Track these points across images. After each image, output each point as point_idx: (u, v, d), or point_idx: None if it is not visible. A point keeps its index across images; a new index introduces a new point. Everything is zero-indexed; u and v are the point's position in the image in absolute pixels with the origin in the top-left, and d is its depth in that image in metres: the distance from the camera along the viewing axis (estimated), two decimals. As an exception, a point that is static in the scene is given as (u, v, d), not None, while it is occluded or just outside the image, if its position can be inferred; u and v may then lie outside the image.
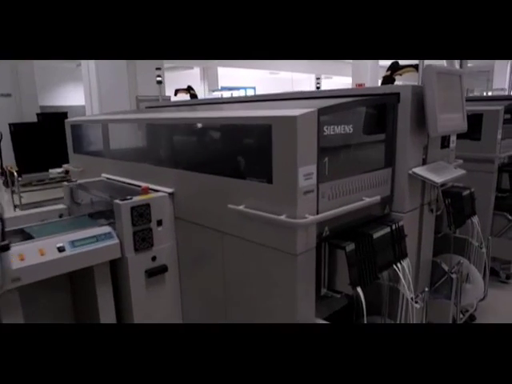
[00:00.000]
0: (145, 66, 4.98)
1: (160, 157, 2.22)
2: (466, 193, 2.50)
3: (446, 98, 1.87)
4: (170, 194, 2.08)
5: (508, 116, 3.48)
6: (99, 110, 4.96)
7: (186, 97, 3.79)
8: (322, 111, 1.45)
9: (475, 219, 2.59)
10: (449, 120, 1.88)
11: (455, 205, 2.35)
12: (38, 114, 8.82)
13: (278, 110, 1.54)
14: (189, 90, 3.61)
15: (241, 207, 1.61)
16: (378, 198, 1.75)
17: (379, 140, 1.88)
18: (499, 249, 3.40)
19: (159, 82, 3.94)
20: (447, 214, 2.28)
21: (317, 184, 1.50)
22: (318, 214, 1.53)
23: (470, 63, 16.74)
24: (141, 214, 1.97)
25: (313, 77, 15.99)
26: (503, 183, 3.40)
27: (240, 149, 1.72)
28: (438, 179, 1.85)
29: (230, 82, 15.41)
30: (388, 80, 2.18)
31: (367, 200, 1.72)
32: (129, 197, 1.98)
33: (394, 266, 1.81)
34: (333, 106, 1.51)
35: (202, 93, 12.98)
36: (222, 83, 14.58)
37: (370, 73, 9.06)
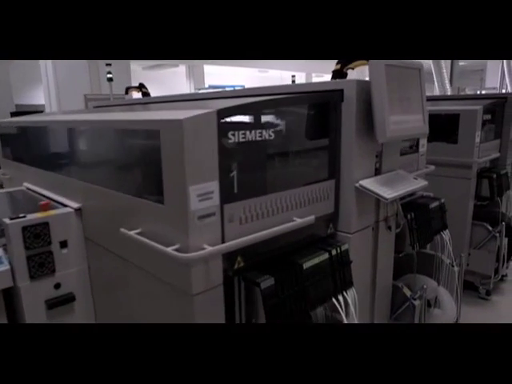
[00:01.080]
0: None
1: (68, 166, 1.89)
2: (434, 205, 2.17)
3: (399, 95, 1.54)
4: (76, 210, 1.74)
5: (488, 117, 3.16)
6: (58, 110, 4.63)
7: (138, 95, 3.47)
8: (223, 113, 1.12)
9: (446, 234, 2.27)
10: (402, 122, 1.55)
11: (420, 219, 2.03)
12: (12, 113, 8.48)
13: (173, 112, 1.22)
14: (140, 87, 3.30)
15: (132, 232, 1.28)
16: (311, 218, 1.42)
17: (318, 147, 1.55)
18: (478, 262, 3.10)
19: (110, 80, 3.60)
20: (409, 230, 1.95)
21: (220, 205, 1.17)
22: (224, 242, 1.20)
23: (463, 62, 16.44)
24: (36, 234, 1.63)
25: (303, 75, 15.67)
26: (483, 190, 3.09)
27: (134, 159, 1.39)
28: (389, 194, 1.52)
29: (218, 80, 15.07)
30: (338, 75, 1.86)
31: (297, 222, 1.39)
32: (22, 214, 1.64)
33: (334, 300, 1.48)
34: (239, 107, 1.17)
35: (188, 91, 12.61)
36: (210, 81, 14.21)
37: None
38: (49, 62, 4.51)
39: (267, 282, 1.25)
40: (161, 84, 13.85)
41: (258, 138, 1.25)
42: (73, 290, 1.76)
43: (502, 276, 3.27)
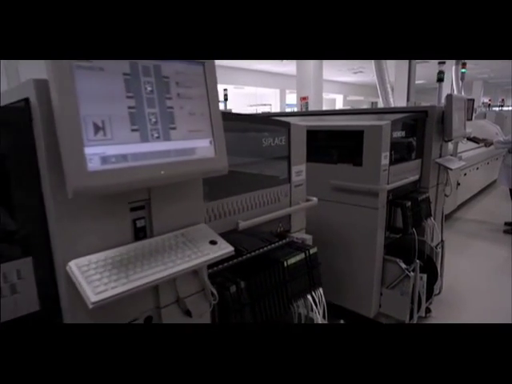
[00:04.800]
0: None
1: None
2: (294, 260, 1.37)
3: (130, 109, 0.74)
4: None
5: (403, 133, 2.37)
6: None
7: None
8: None
9: (318, 295, 1.47)
10: (144, 157, 0.75)
11: (260, 289, 1.23)
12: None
13: None
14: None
15: None
16: None
17: None
18: (391, 304, 2.30)
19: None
20: (233, 311, 1.15)
21: None
22: None
23: (423, 80, 15.75)
24: None
25: (277, 91, 14.91)
26: (398, 220, 2.29)
27: None
28: (100, 294, 0.70)
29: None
30: None
31: None
32: None
33: None
34: None
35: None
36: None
37: (312, 85, 7.92)
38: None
39: None
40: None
41: None
42: None
43: (421, 317, 2.47)
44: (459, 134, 2.56)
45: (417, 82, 10.78)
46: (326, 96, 17.57)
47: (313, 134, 2.53)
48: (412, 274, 2.18)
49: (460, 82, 6.81)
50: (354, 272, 2.29)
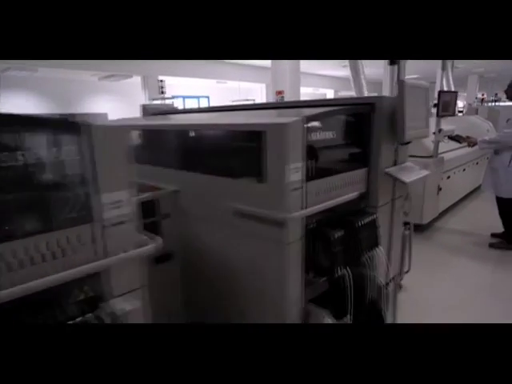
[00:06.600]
0: None
1: None
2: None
3: None
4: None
5: (336, 134, 1.72)
6: None
7: None
8: None
9: None
10: None
11: None
12: None
13: None
14: None
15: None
16: None
17: None
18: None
19: None
20: None
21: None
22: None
23: (415, 74, 15.04)
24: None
25: (263, 86, 14.24)
26: (324, 257, 1.64)
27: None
28: None
29: (183, 91, 13.74)
30: None
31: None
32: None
33: None
34: None
35: (144, 101, 11.04)
36: (174, 92, 12.78)
37: (289, 79, 7.23)
38: None
39: None
40: (116, 95, 12.33)
41: None
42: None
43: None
44: (417, 134, 1.92)
45: (409, 77, 10.09)
46: (316, 91, 16.88)
47: (207, 137, 1.89)
48: (340, 333, 1.54)
49: (449, 73, 6.14)
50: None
